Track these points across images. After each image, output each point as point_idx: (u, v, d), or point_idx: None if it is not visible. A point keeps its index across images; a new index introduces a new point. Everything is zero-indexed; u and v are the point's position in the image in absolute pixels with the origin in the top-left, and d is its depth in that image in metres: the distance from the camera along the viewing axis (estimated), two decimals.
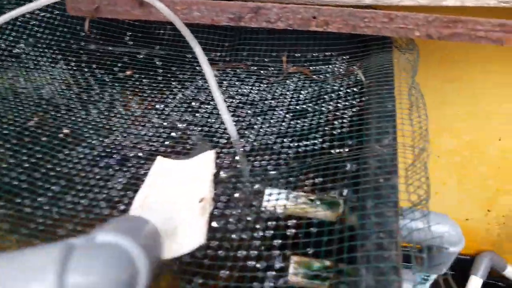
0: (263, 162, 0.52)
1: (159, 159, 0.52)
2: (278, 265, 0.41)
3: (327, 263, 0.42)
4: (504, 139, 1.06)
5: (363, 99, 0.56)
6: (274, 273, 0.40)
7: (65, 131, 0.56)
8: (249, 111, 0.61)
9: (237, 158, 0.53)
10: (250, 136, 0.56)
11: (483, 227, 1.21)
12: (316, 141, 0.53)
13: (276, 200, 0.46)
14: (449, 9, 0.61)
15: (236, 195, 0.48)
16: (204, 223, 0.44)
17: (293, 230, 0.43)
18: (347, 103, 0.57)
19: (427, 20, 0.59)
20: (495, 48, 0.89)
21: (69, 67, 0.67)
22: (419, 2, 0.60)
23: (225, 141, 0.56)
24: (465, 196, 1.17)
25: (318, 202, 0.47)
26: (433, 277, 0.57)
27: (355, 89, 0.59)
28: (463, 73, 0.95)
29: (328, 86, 0.62)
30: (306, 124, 0.56)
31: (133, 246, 0.28)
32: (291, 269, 0.41)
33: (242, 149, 0.54)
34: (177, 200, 0.46)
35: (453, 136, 1.08)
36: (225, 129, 0.57)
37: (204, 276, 0.40)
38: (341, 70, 0.66)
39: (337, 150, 0.51)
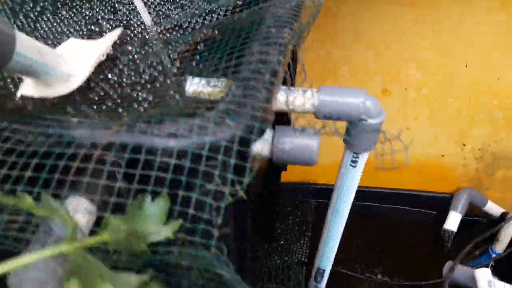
0: (170, 36, 0.53)
1: (72, 39, 0.54)
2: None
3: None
4: (471, 66, 1.04)
5: None
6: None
7: None
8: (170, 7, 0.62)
9: (146, 37, 0.55)
10: (165, 23, 0.57)
11: (460, 162, 1.18)
12: (221, 12, 0.54)
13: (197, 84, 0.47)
14: None
15: (136, 56, 0.50)
16: (91, 65, 0.47)
17: None
18: None
19: None
20: None
21: None
22: None
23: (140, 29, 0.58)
24: (438, 130, 1.15)
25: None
26: (363, 157, 0.56)
27: None
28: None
29: None
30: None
31: None
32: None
33: (154, 30, 0.56)
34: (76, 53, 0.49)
35: (419, 66, 1.06)
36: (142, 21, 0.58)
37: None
38: None
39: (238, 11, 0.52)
